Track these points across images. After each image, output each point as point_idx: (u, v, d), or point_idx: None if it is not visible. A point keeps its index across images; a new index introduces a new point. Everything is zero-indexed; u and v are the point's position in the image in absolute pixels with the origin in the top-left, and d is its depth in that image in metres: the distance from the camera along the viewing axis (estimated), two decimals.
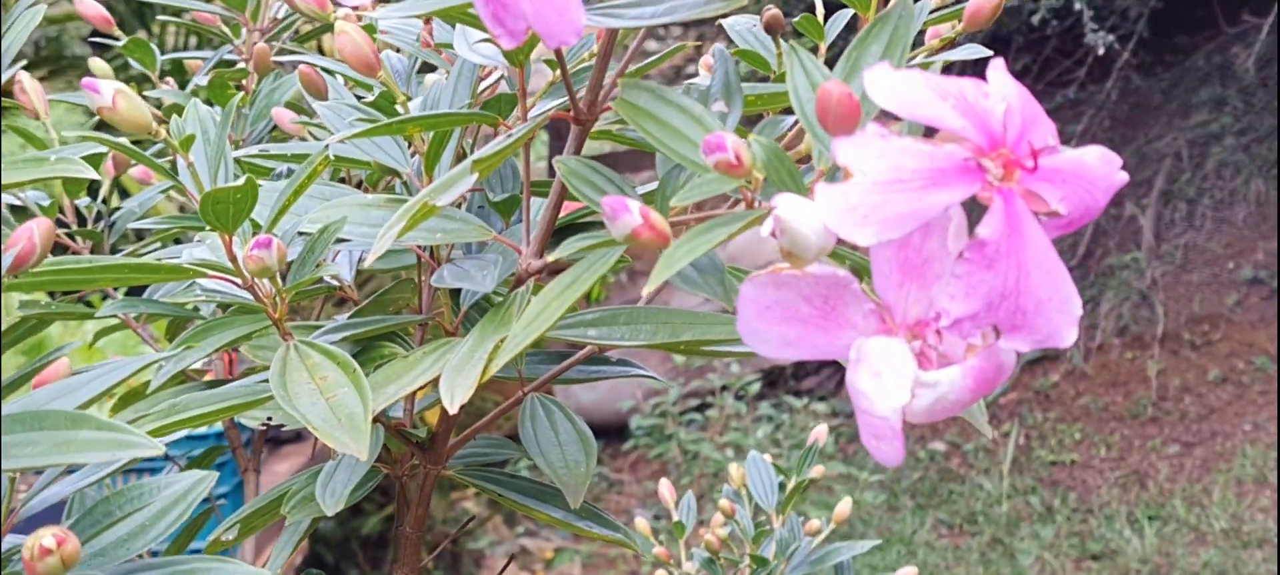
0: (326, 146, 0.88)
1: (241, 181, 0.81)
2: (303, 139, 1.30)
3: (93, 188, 1.39)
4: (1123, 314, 5.65)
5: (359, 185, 1.13)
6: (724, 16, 0.86)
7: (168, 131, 0.85)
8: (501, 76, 1.01)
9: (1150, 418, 5.36)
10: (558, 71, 0.94)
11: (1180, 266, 5.75)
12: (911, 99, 0.66)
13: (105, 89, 0.81)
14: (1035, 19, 5.04)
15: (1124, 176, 0.71)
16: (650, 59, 0.94)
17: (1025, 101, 0.68)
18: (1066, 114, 5.88)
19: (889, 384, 0.67)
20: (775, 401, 5.65)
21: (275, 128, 1.30)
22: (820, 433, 1.38)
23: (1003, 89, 0.68)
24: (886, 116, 0.68)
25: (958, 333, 0.67)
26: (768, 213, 0.72)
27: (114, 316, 1.22)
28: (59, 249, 1.35)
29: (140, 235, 1.42)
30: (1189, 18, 5.90)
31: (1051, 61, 5.72)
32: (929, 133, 0.69)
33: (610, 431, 5.89)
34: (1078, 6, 4.96)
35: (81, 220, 1.36)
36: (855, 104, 0.67)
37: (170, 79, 1.45)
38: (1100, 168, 0.70)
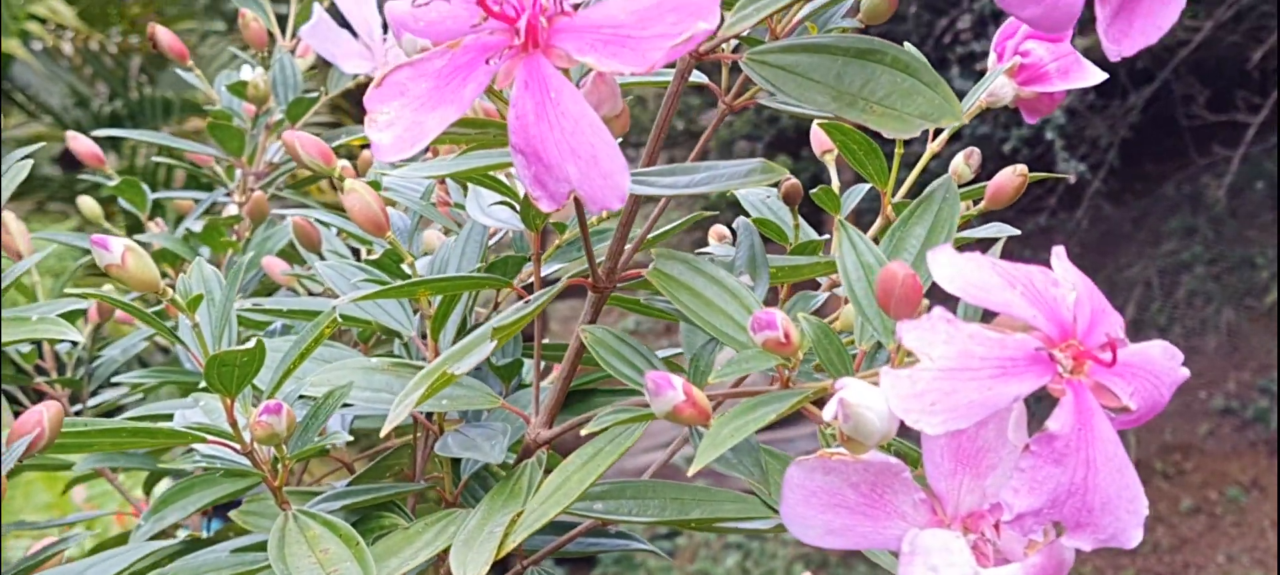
0: (335, 309, 0.84)
1: (249, 344, 0.77)
2: (292, 290, 1.26)
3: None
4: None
5: (353, 343, 1.09)
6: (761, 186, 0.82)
7: (174, 291, 0.81)
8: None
9: (1122, 548, 5.31)
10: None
11: None
12: (978, 283, 0.62)
13: (115, 247, 0.78)
14: (1007, 148, 5.05)
15: (1186, 372, 0.68)
16: (669, 226, 0.90)
17: (1092, 291, 0.65)
18: (1038, 241, 5.87)
19: None
20: None
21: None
22: None
23: (1070, 277, 0.64)
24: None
25: (1019, 528, 0.64)
26: (814, 393, 0.68)
27: (91, 470, 1.17)
28: (36, 396, 1.30)
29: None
30: (1159, 147, 5.93)
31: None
32: (986, 318, 0.66)
33: (578, 560, 5.81)
34: (1049, 136, 4.98)
35: (61, 366, 1.31)
36: (920, 287, 0.63)
37: (160, 220, 1.41)
38: (1165, 362, 0.67)
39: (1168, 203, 5.97)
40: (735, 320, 0.73)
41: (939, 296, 0.65)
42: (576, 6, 0.67)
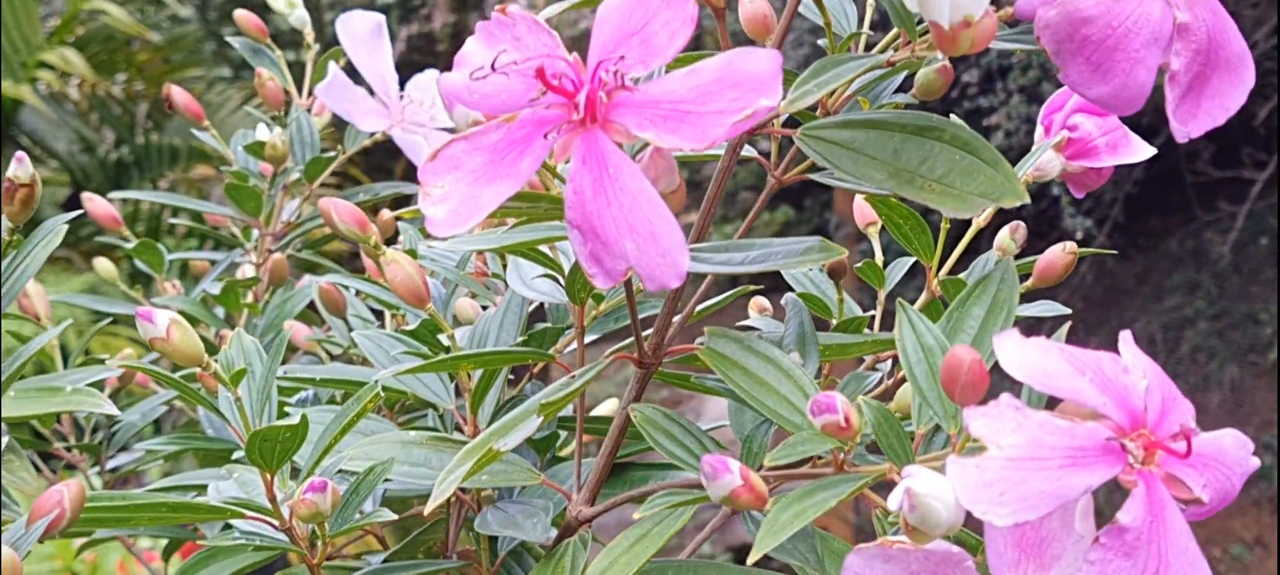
0: (377, 383, 0.83)
1: (293, 420, 0.76)
2: (313, 354, 1.25)
3: None
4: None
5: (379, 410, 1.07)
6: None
7: (217, 365, 0.80)
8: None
9: None
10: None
11: None
12: (1045, 370, 0.61)
13: (160, 320, 0.77)
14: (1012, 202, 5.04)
15: (1256, 462, 0.67)
16: (716, 300, 0.89)
17: (1162, 379, 0.63)
18: (1041, 295, 5.85)
19: None
20: None
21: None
22: None
23: (1140, 364, 0.63)
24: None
25: None
26: (874, 477, 0.67)
27: (110, 536, 1.15)
28: (51, 459, 1.29)
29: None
30: (1163, 203, 5.92)
31: (1027, 244, 5.73)
32: (1051, 404, 0.65)
33: None
34: (1055, 191, 4.97)
35: (79, 431, 1.29)
36: (986, 373, 0.62)
37: (177, 282, 1.40)
38: (1236, 452, 0.66)
39: (1172, 258, 5.97)
40: (790, 402, 0.72)
41: (998, 378, 0.64)
42: (635, 81, 0.66)
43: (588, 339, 0.91)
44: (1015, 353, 0.61)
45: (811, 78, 0.69)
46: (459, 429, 0.94)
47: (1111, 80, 0.65)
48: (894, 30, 0.74)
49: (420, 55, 6.24)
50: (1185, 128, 0.67)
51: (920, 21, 0.70)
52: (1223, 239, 5.55)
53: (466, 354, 0.83)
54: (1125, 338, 0.65)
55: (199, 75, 5.95)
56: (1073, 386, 0.61)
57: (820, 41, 0.84)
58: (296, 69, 1.46)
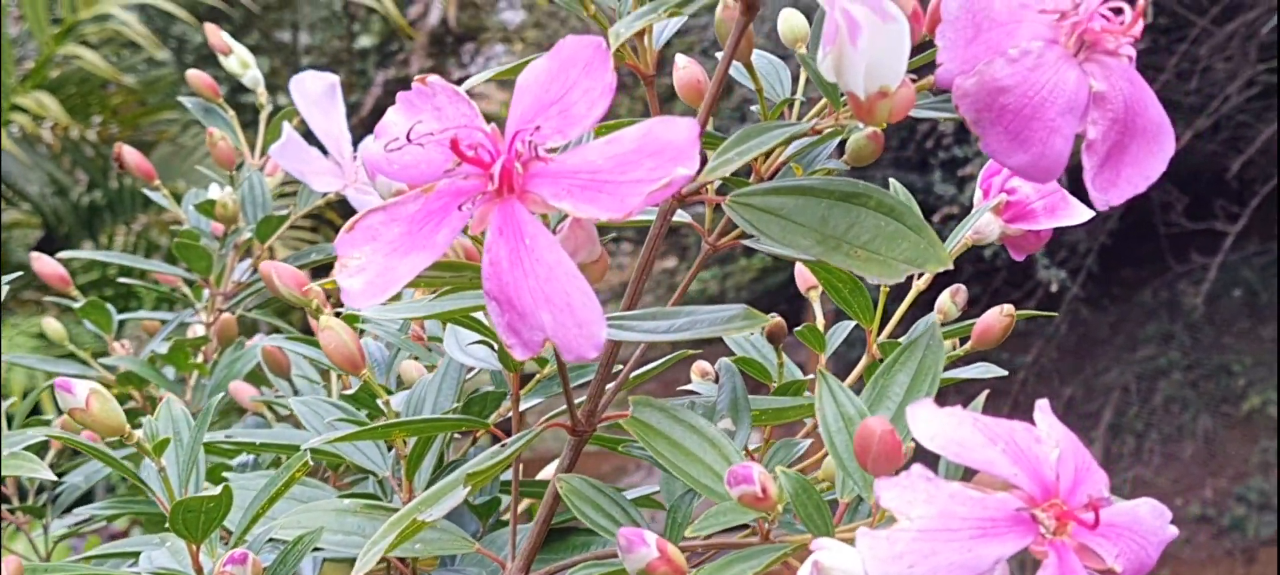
0: (305, 451, 0.82)
1: (216, 491, 0.75)
2: (260, 415, 1.24)
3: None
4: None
5: (324, 473, 1.07)
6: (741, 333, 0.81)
7: (139, 435, 0.80)
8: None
9: None
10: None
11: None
12: (959, 441, 0.61)
13: (80, 391, 0.77)
14: (987, 252, 5.05)
15: (1174, 531, 0.67)
16: (651, 366, 0.88)
17: (1075, 448, 0.63)
18: (1015, 344, 5.87)
19: None
20: None
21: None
22: None
23: (1054, 434, 0.63)
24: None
25: None
26: (794, 547, 0.67)
27: None
28: None
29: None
30: (1137, 254, 5.94)
31: (1001, 293, 5.72)
32: (968, 475, 0.65)
33: None
34: None
35: (22, 493, 1.28)
36: (899, 444, 0.62)
37: (126, 343, 1.39)
38: (1152, 521, 0.66)
39: (1145, 309, 5.98)
40: (713, 470, 0.72)
41: (923, 447, 0.64)
42: (552, 151, 0.66)
43: (531, 403, 0.91)
44: (929, 423, 0.61)
45: (733, 146, 0.69)
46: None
47: (1029, 149, 0.65)
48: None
49: (395, 99, 6.23)
50: (1104, 196, 0.67)
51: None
52: (1196, 290, 5.57)
53: (398, 422, 0.83)
54: (1041, 407, 0.65)
55: (174, 117, 5.92)
56: (986, 457, 0.61)
57: (753, 107, 0.85)
58: (254, 137, 1.46)
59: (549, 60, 0.68)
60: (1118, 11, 0.65)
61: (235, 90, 4.42)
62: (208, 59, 5.69)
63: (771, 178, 0.80)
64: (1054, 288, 5.04)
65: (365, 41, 6.39)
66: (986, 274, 5.61)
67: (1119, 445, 5.85)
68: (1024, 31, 0.64)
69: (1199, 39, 5.05)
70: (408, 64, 6.50)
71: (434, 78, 0.69)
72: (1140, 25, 0.65)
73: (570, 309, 0.63)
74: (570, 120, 0.66)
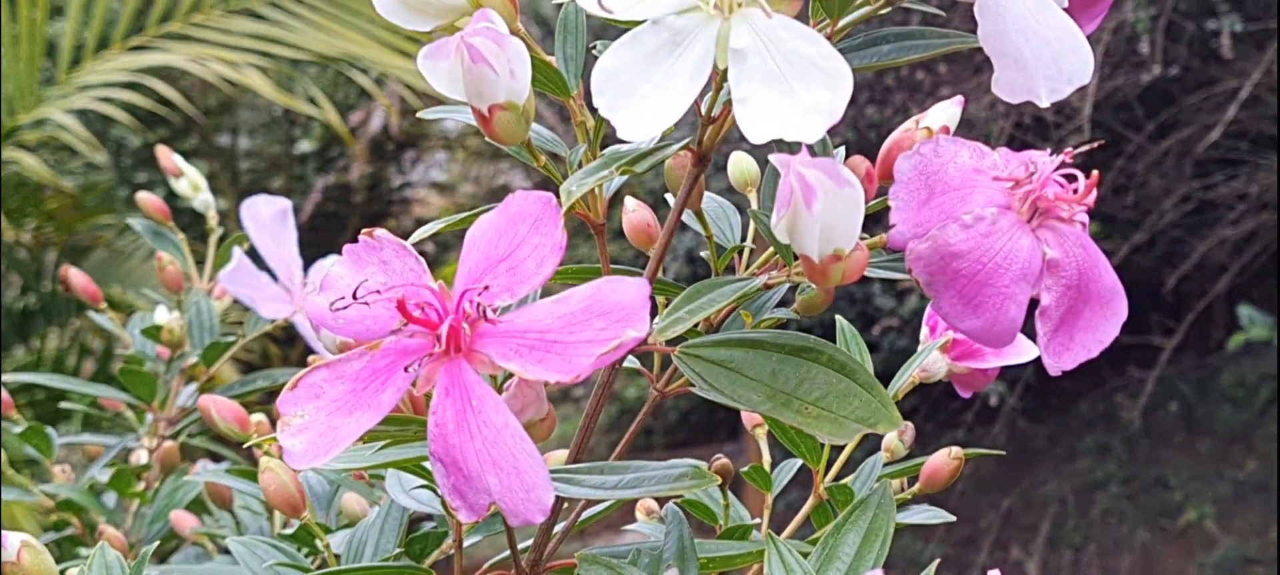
0: None
1: None
2: (200, 546, 1.22)
3: None
4: None
5: None
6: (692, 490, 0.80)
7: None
8: None
9: None
10: None
11: None
12: None
13: (11, 544, 0.75)
14: None
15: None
16: (598, 510, 0.87)
17: None
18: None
19: None
20: None
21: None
22: None
23: None
24: None
25: None
26: None
27: None
28: None
29: None
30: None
31: (940, 404, 5.75)
32: None
33: None
34: None
35: None
36: None
37: (67, 467, 1.37)
38: None
39: (1083, 420, 6.01)
40: None
41: None
42: (502, 310, 0.65)
43: (473, 539, 0.90)
44: None
45: (683, 304, 0.68)
46: None
47: (983, 314, 0.65)
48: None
49: (336, 205, 6.21)
50: (1058, 362, 0.67)
51: None
52: (1133, 404, 5.61)
53: (337, 570, 0.81)
54: None
55: (111, 222, 5.88)
56: None
57: (702, 253, 0.84)
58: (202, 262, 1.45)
59: (497, 216, 0.67)
60: (1071, 179, 0.65)
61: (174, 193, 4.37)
62: (147, 162, 5.66)
63: (721, 325, 0.79)
64: (993, 401, 5.06)
65: (305, 146, 6.38)
66: (924, 386, 5.62)
67: (1057, 558, 5.86)
68: (978, 197, 0.64)
69: (1135, 155, 5.12)
70: (348, 170, 6.48)
71: (381, 232, 0.68)
72: (1093, 194, 0.65)
73: (517, 472, 0.62)
74: (519, 278, 0.65)
